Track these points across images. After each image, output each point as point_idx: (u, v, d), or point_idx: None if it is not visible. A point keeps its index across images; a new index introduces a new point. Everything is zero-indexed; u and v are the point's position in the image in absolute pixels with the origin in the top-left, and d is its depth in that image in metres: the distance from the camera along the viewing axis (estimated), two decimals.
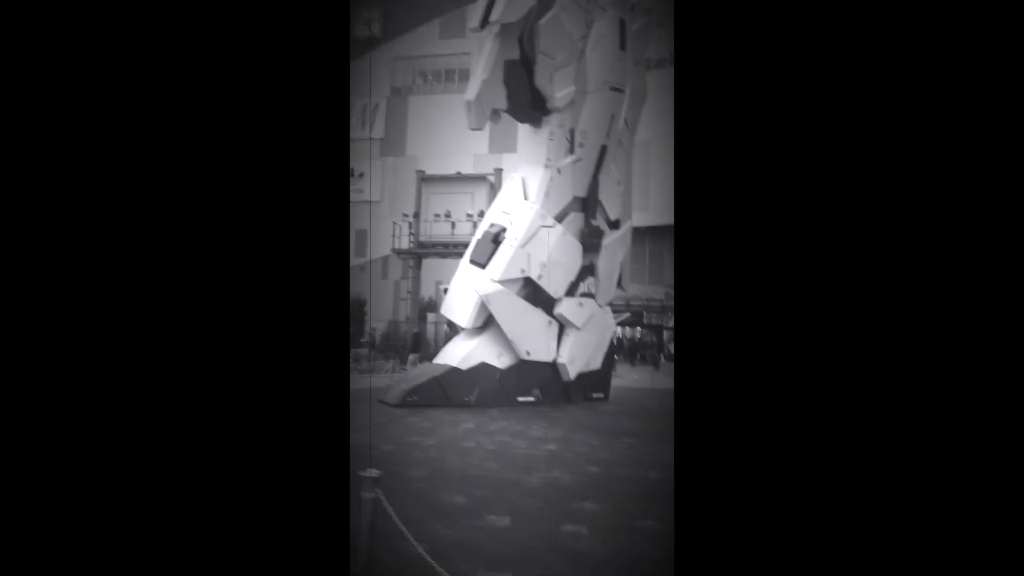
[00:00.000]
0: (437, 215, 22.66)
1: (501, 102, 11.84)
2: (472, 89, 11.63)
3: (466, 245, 22.11)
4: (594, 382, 13.53)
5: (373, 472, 3.31)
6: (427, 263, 24.44)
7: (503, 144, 35.87)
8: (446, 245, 22.92)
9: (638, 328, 31.93)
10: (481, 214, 22.55)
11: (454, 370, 11.94)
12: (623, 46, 12.65)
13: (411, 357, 17.26)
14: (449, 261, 27.01)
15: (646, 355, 25.44)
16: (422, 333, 19.02)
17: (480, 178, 23.86)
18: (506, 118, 12.66)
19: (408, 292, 23.74)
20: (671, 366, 25.51)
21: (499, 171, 23.66)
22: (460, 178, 24.23)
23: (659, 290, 31.76)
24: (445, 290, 13.39)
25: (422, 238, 23.00)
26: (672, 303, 33.89)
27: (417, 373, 12.43)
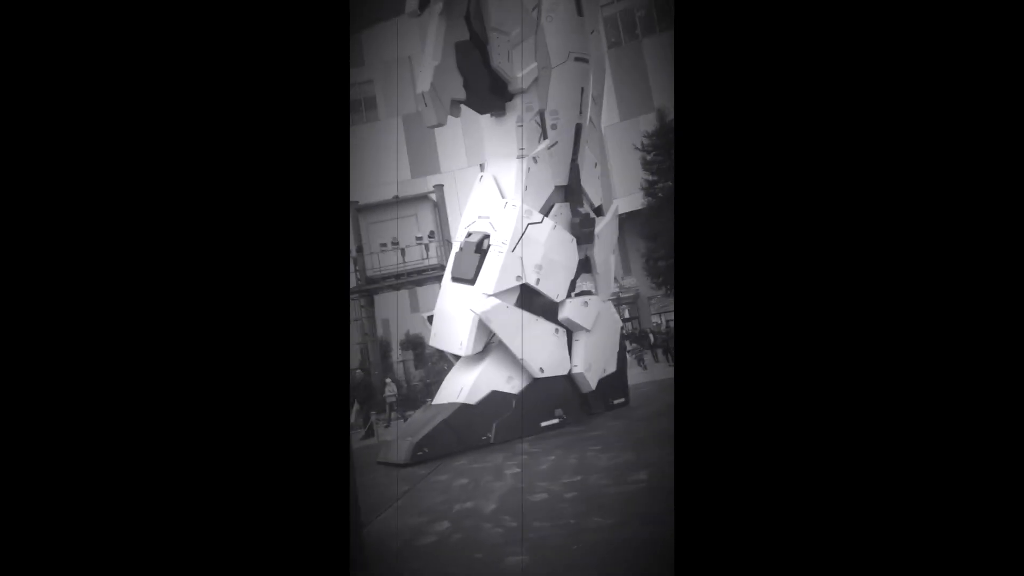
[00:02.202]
0: (383, 245, 20.67)
1: (458, 91, 10.25)
2: (424, 79, 9.99)
3: (421, 272, 20.45)
4: (613, 387, 11.98)
5: None
6: (377, 299, 22.37)
7: (426, 166, 34.27)
8: (398, 276, 20.99)
9: None
10: (431, 235, 20.80)
11: (464, 407, 10.13)
12: (580, 11, 11.33)
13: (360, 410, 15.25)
14: (403, 292, 25.00)
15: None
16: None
17: (421, 198, 22.09)
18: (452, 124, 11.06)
19: (365, 334, 21.56)
20: (640, 357, 24.47)
21: (439, 187, 22.01)
22: (399, 202, 22.34)
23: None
24: (429, 319, 11.56)
25: (370, 272, 20.95)
26: (627, 295, 33.19)
27: (420, 421, 10.52)
